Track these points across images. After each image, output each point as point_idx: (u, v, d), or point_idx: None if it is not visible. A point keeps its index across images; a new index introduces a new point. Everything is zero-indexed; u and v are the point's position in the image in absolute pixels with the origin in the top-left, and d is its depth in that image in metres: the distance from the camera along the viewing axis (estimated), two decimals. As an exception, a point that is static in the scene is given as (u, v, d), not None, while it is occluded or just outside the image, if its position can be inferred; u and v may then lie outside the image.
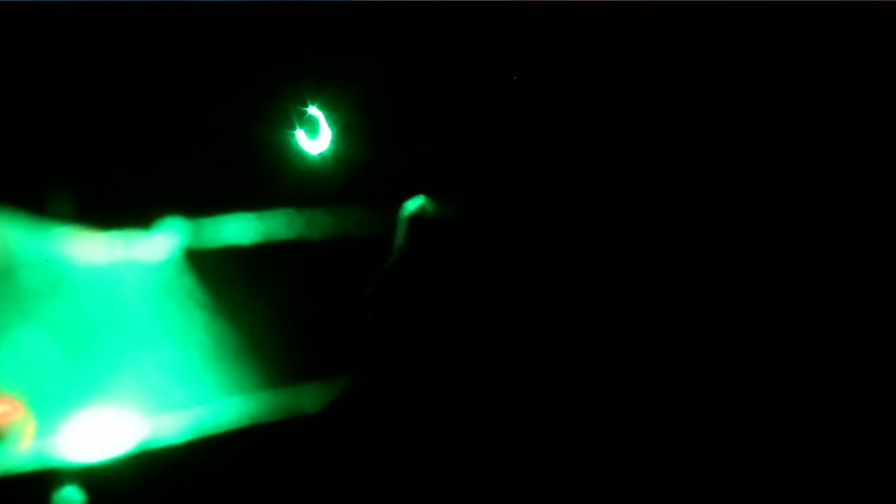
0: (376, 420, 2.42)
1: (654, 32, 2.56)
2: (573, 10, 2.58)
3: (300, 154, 2.72)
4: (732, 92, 2.54)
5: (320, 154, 2.73)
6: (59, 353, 2.60)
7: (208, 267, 2.69)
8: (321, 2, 2.67)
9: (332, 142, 2.73)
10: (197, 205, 2.67)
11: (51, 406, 2.58)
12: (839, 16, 2.44)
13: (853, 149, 2.47)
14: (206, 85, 2.69)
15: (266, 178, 2.71)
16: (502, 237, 2.55)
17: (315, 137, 2.73)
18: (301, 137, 2.73)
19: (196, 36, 2.66)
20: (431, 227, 2.56)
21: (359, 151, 2.71)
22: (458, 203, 2.57)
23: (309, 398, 2.61)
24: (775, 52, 2.51)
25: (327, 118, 2.71)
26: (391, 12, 2.66)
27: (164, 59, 2.66)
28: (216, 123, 2.67)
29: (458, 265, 2.52)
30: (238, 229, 2.70)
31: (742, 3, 2.51)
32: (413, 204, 2.57)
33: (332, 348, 2.63)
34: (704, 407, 2.45)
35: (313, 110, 2.71)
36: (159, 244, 2.67)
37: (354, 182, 2.70)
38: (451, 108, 2.68)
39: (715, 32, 2.54)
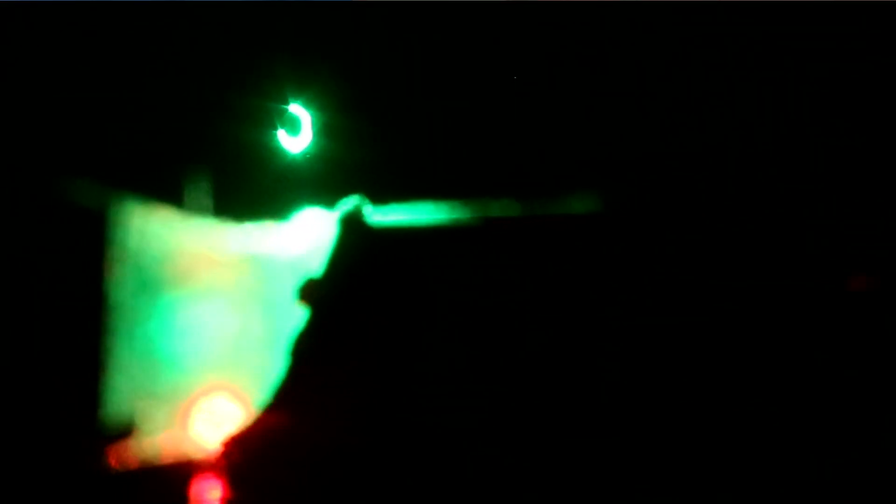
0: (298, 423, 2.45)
1: (653, 33, 2.55)
2: (555, 11, 2.59)
3: (281, 153, 2.72)
4: (729, 92, 2.53)
5: (301, 153, 2.72)
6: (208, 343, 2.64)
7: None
8: (302, 2, 2.67)
9: (313, 140, 2.71)
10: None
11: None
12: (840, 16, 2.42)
13: (855, 148, 2.47)
14: (185, 83, 2.68)
15: (247, 176, 2.71)
16: (447, 239, 2.53)
17: (296, 136, 2.72)
18: (282, 136, 2.72)
19: (178, 36, 2.67)
20: (365, 228, 2.56)
21: (340, 150, 2.69)
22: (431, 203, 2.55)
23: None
24: (776, 51, 2.50)
25: (309, 117, 2.71)
26: (374, 12, 2.65)
27: (146, 58, 2.66)
28: (197, 122, 2.68)
29: (390, 268, 2.52)
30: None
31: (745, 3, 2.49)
32: (347, 205, 2.57)
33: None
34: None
35: (295, 109, 2.71)
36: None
37: (335, 180, 2.68)
38: (433, 107, 2.67)
39: (715, 33, 2.53)
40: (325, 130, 2.70)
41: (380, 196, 2.59)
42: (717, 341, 2.44)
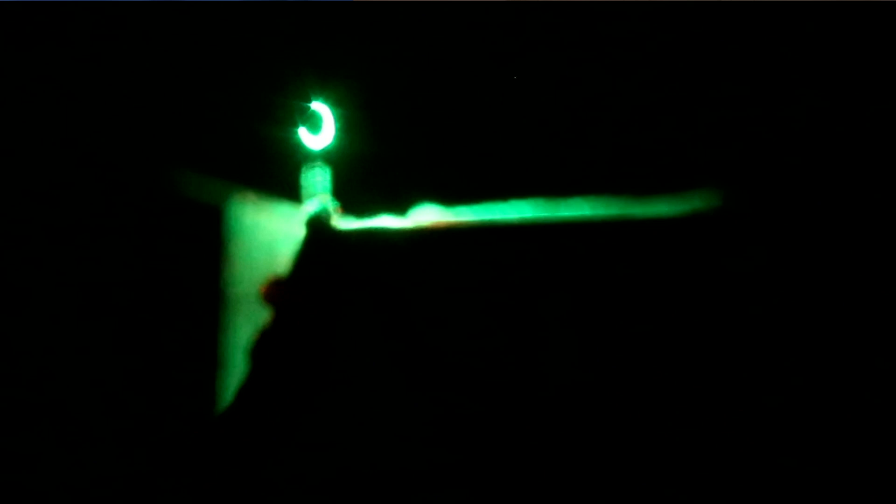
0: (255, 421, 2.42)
1: (654, 33, 2.59)
2: (578, 10, 2.61)
3: (302, 151, 2.68)
4: (730, 94, 2.56)
5: (323, 151, 2.68)
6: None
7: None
8: (328, 2, 2.73)
9: (336, 138, 2.68)
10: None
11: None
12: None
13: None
14: (207, 81, 2.74)
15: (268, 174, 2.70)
16: (417, 243, 2.47)
17: (318, 134, 2.69)
18: (303, 134, 2.69)
19: (198, 33, 2.72)
20: (330, 231, 2.50)
21: (363, 148, 2.70)
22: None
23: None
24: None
25: (331, 114, 2.68)
26: (396, 10, 2.69)
27: (166, 56, 2.71)
28: (218, 119, 2.73)
29: (353, 272, 2.46)
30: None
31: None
32: (313, 206, 2.53)
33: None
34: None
35: (317, 106, 2.68)
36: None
37: (358, 179, 2.67)
38: (457, 105, 2.70)
39: (716, 32, 2.56)
40: (347, 128, 2.66)
41: (403, 196, 2.55)
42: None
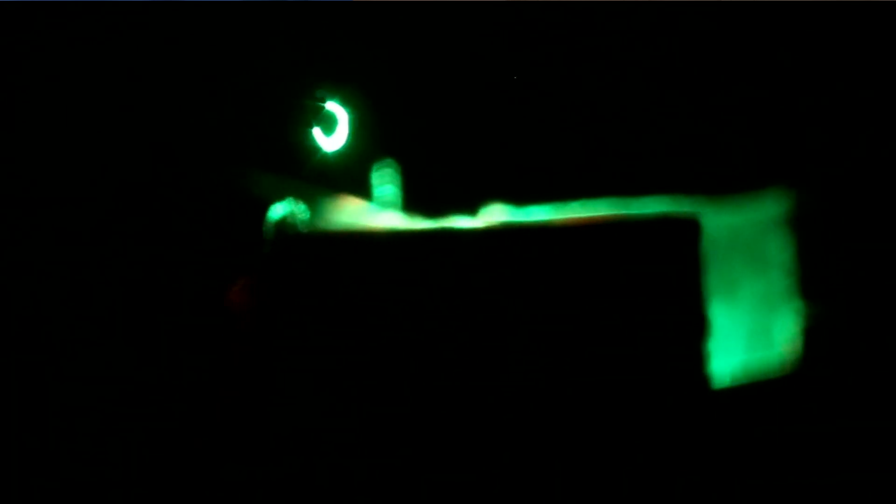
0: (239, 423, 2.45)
1: (655, 33, 2.57)
2: (582, 9, 2.61)
3: (317, 151, 2.72)
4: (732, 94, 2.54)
5: (337, 151, 2.73)
6: None
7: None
8: (340, 1, 2.71)
9: (349, 139, 2.72)
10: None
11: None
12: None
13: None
14: (223, 83, 2.73)
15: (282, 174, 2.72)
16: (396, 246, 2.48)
17: (331, 134, 2.73)
18: (318, 134, 2.73)
19: (213, 35, 2.72)
20: (296, 234, 2.52)
21: (375, 149, 2.72)
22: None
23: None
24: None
25: (345, 115, 2.72)
26: (409, 12, 2.69)
27: (180, 57, 2.72)
28: (233, 121, 2.72)
29: (318, 274, 2.46)
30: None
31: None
32: (280, 208, 2.54)
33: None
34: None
35: (331, 107, 2.72)
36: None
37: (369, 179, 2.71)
38: (466, 106, 2.69)
39: (717, 32, 2.54)
40: (362, 128, 2.71)
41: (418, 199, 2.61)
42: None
